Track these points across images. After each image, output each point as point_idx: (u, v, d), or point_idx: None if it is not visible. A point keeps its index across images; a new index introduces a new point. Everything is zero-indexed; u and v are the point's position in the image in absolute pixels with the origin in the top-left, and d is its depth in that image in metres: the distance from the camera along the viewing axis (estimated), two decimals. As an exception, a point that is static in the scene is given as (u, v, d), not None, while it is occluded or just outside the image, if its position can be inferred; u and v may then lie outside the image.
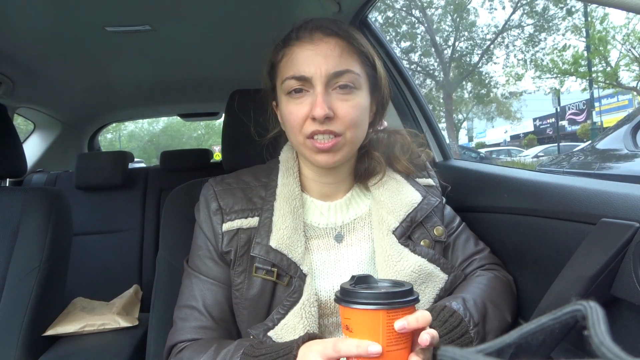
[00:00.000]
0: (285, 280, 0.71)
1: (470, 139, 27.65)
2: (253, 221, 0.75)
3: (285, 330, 0.68)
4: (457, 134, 20.40)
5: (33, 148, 2.31)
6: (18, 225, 1.17)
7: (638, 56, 13.28)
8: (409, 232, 0.76)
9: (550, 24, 15.08)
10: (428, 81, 16.98)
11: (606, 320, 0.20)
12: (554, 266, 0.69)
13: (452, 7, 16.03)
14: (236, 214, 0.75)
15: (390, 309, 0.53)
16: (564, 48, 14.55)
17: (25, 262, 1.14)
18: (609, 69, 13.80)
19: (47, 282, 1.16)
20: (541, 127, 22.71)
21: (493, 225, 0.90)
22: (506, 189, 0.88)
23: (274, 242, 0.71)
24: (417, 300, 0.56)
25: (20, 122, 2.44)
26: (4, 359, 1.08)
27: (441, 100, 16.83)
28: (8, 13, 1.20)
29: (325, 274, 0.75)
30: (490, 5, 16.58)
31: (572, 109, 19.32)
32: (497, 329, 0.69)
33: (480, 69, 16.59)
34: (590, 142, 3.58)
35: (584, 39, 13.90)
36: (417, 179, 0.84)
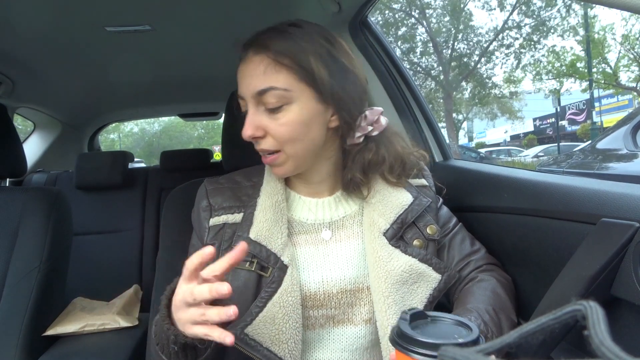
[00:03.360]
0: (268, 272, 0.72)
1: (470, 139, 27.65)
2: (238, 217, 0.77)
3: (263, 323, 0.68)
4: (457, 133, 20.40)
5: (33, 148, 2.31)
6: (18, 225, 1.17)
7: (637, 56, 13.28)
8: (400, 233, 0.77)
9: (550, 24, 15.08)
10: (428, 81, 16.98)
11: (606, 320, 0.20)
12: (554, 266, 0.69)
13: (449, 7, 16.03)
14: (223, 210, 0.78)
15: None
16: (563, 51, 14.56)
17: (25, 262, 1.14)
18: (608, 69, 13.80)
19: (47, 282, 1.16)
20: (541, 127, 22.71)
21: (493, 225, 0.90)
22: (506, 189, 0.88)
23: (253, 234, 0.73)
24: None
25: (20, 122, 2.44)
26: (4, 359, 1.08)
27: (441, 100, 16.84)
28: (8, 13, 1.20)
29: (314, 267, 0.75)
30: (490, 6, 16.59)
31: (572, 109, 19.31)
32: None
33: (480, 70, 16.58)
34: (590, 142, 3.58)
35: (583, 38, 13.88)
36: (410, 179, 0.84)
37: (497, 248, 0.90)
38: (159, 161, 2.20)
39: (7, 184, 2.02)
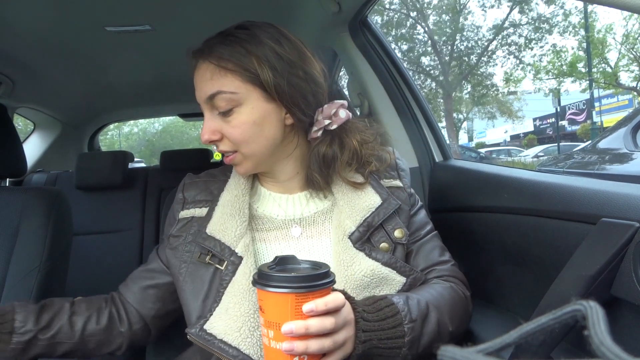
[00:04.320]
0: (224, 265, 0.73)
1: (470, 139, 27.66)
2: (204, 211, 0.79)
3: (219, 315, 0.69)
4: (457, 133, 20.40)
5: (33, 148, 2.31)
6: (18, 225, 1.16)
7: (638, 56, 13.28)
8: (365, 237, 0.75)
9: (549, 24, 15.08)
10: (428, 81, 16.98)
11: (606, 320, 0.20)
12: (554, 266, 0.69)
13: (448, 7, 16.02)
14: (194, 204, 0.81)
15: (300, 293, 0.54)
16: (562, 50, 14.56)
17: (25, 262, 1.14)
18: (608, 69, 13.80)
19: (47, 282, 1.16)
20: (541, 127, 22.72)
21: (493, 225, 0.90)
22: (506, 189, 0.87)
23: (209, 229, 0.76)
24: (328, 283, 0.57)
25: (20, 122, 2.44)
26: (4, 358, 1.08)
27: (441, 100, 16.84)
28: (8, 13, 1.20)
29: None
30: (487, 5, 16.59)
31: (572, 109, 19.32)
32: (435, 333, 0.68)
33: (480, 70, 16.58)
34: (590, 142, 3.58)
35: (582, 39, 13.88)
36: (383, 180, 0.82)
37: (497, 248, 0.90)
38: (159, 161, 2.20)
39: (7, 184, 2.02)
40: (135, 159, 3.99)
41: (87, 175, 1.96)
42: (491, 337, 0.22)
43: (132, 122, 21.35)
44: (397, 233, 0.77)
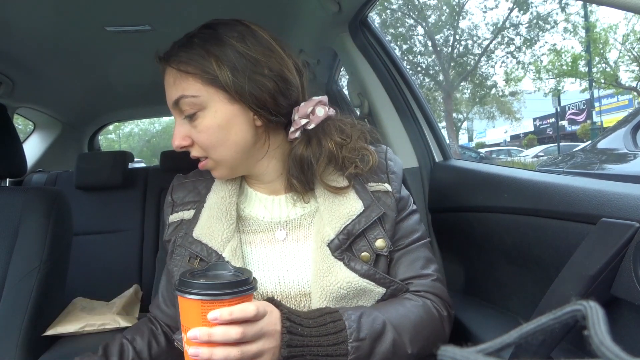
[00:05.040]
0: None
1: (470, 139, 27.66)
2: (192, 213, 0.78)
3: None
4: (457, 133, 20.40)
5: (33, 148, 2.31)
6: (18, 225, 1.16)
7: (637, 56, 13.28)
8: (346, 245, 0.71)
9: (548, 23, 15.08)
10: (427, 80, 16.98)
11: (606, 320, 0.20)
12: (554, 266, 0.69)
13: (447, 8, 16.03)
14: (183, 206, 0.80)
15: (206, 300, 0.55)
16: (562, 50, 14.57)
17: (25, 262, 1.14)
18: (608, 69, 13.80)
19: (47, 282, 1.16)
20: (541, 127, 22.71)
21: (493, 225, 0.90)
22: (506, 189, 0.87)
23: (195, 232, 0.74)
24: (237, 293, 0.56)
25: (20, 122, 2.44)
26: (4, 358, 1.08)
27: (441, 100, 16.84)
28: (8, 13, 1.20)
29: (270, 267, 0.73)
30: (487, 5, 16.59)
31: (572, 109, 19.31)
32: (388, 354, 0.64)
33: (480, 69, 16.58)
34: (590, 142, 3.58)
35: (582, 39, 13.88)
36: (370, 183, 0.76)
37: (497, 248, 0.89)
38: (159, 161, 2.20)
39: (7, 184, 2.02)
40: (136, 159, 3.98)
41: (87, 175, 1.96)
42: (491, 337, 0.22)
43: (132, 122, 21.36)
44: (379, 243, 0.72)
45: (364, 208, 0.73)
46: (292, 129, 0.73)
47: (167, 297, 0.83)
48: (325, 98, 0.73)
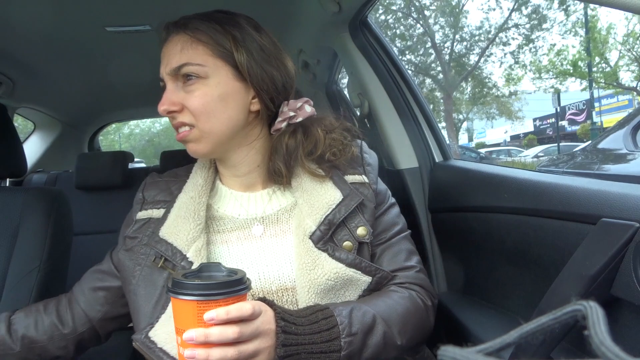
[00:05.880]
0: (176, 269, 0.71)
1: (470, 139, 27.66)
2: (161, 212, 0.77)
3: (164, 322, 0.67)
4: (457, 133, 20.40)
5: (33, 148, 2.31)
6: (18, 225, 1.16)
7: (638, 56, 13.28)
8: (328, 235, 0.72)
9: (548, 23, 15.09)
10: (428, 81, 16.98)
11: (606, 320, 0.20)
12: (554, 266, 0.69)
13: (447, 8, 16.03)
14: (153, 204, 0.79)
15: (202, 300, 0.54)
16: (561, 50, 14.57)
17: (25, 262, 1.14)
18: (608, 69, 13.81)
19: (47, 282, 1.16)
20: (541, 127, 22.71)
21: (493, 225, 0.90)
22: (506, 189, 0.87)
23: (162, 232, 0.74)
24: (232, 292, 0.55)
25: (20, 122, 2.44)
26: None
27: (441, 100, 16.84)
28: (8, 13, 1.20)
29: (248, 264, 0.73)
30: (488, 6, 16.59)
31: (572, 109, 19.31)
32: (380, 346, 0.66)
33: (480, 69, 16.58)
34: (590, 142, 3.58)
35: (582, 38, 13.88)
36: (347, 175, 0.78)
37: (497, 248, 0.89)
38: (159, 161, 2.20)
39: (7, 184, 2.02)
40: (136, 159, 3.98)
41: (87, 175, 1.96)
42: (491, 337, 0.22)
43: (132, 122, 21.37)
44: (360, 231, 0.74)
45: (343, 197, 0.74)
46: (280, 119, 0.75)
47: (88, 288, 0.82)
48: (311, 100, 0.78)
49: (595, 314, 0.21)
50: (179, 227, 0.73)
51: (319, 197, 0.74)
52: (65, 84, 1.91)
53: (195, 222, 0.73)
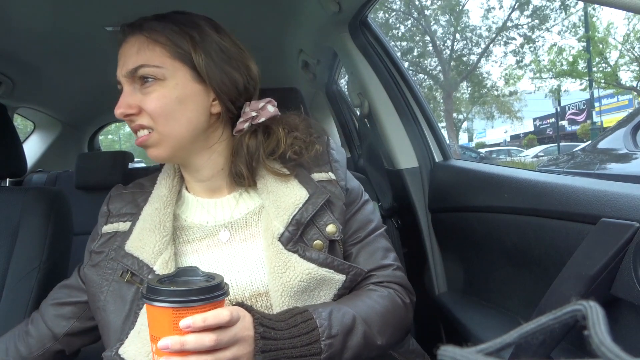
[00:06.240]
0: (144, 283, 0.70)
1: (470, 139, 27.66)
2: (127, 225, 0.75)
3: (133, 338, 0.66)
4: (457, 133, 20.40)
5: (33, 148, 2.31)
6: (18, 225, 1.16)
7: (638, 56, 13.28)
8: (297, 236, 0.70)
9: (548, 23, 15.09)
10: (428, 81, 16.98)
11: (606, 320, 0.20)
12: (554, 266, 0.69)
13: (448, 7, 16.03)
14: (119, 217, 0.77)
15: (177, 307, 0.52)
16: (561, 50, 14.57)
17: (25, 262, 1.14)
18: (608, 69, 13.80)
19: (47, 282, 1.16)
20: (541, 127, 22.72)
21: (493, 225, 0.90)
22: (506, 189, 0.87)
23: (127, 246, 0.71)
24: (210, 299, 0.54)
25: (20, 122, 2.44)
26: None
27: (441, 100, 16.84)
28: (8, 13, 1.20)
29: (220, 271, 0.71)
30: (488, 5, 16.60)
31: (572, 109, 19.31)
32: (360, 346, 0.65)
33: (480, 70, 16.58)
34: (590, 142, 3.58)
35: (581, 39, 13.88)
36: (313, 173, 0.77)
37: (497, 248, 0.89)
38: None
39: (7, 184, 2.02)
40: (136, 159, 3.98)
41: (87, 175, 1.96)
42: (491, 337, 0.22)
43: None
44: (330, 228, 0.72)
45: (309, 195, 0.72)
46: (241, 119, 0.74)
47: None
48: (274, 101, 0.76)
49: (595, 314, 0.21)
50: (144, 240, 0.71)
51: (285, 197, 0.72)
52: (65, 84, 1.91)
53: (161, 234, 0.71)
